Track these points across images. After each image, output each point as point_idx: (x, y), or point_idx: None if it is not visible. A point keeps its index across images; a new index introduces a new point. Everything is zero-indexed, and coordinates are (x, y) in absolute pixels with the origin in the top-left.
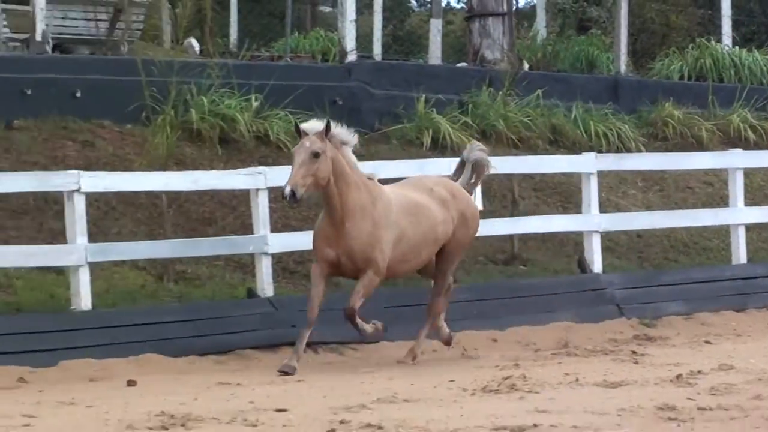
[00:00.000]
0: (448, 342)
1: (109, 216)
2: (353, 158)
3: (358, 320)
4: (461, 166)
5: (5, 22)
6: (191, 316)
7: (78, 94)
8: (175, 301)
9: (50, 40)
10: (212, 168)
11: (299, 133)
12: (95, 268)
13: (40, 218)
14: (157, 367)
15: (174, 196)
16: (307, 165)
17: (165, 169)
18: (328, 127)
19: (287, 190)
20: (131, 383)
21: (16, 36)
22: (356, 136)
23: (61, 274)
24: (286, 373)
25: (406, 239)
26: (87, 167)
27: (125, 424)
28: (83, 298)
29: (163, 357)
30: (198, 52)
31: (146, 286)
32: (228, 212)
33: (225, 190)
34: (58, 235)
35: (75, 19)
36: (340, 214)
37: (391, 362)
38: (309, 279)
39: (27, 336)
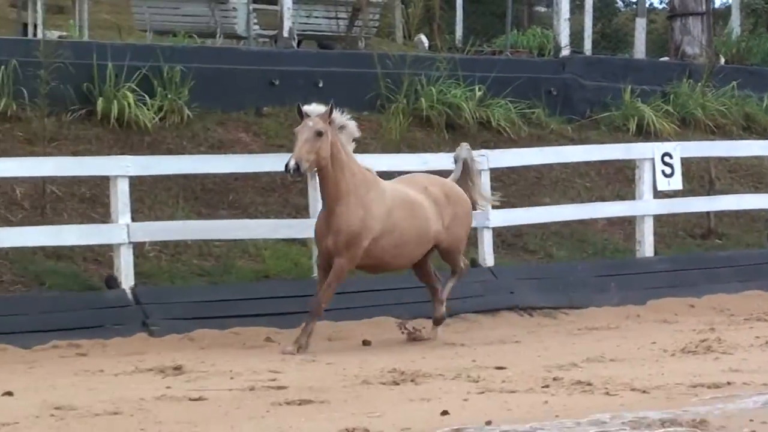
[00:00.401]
0: (438, 321)
1: None
2: (348, 146)
3: (310, 325)
4: (455, 164)
5: (256, 20)
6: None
7: (320, 84)
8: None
9: (295, 36)
10: (439, 151)
11: (301, 115)
12: None
13: (285, 195)
14: (388, 329)
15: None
16: (311, 142)
17: (398, 152)
18: (331, 110)
19: (292, 163)
20: (366, 343)
21: (265, 32)
22: (356, 124)
23: (303, 245)
24: (291, 353)
25: (399, 231)
26: None
27: (361, 379)
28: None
29: (392, 318)
30: (427, 48)
31: None
32: None
33: (451, 170)
34: (301, 210)
35: (317, 17)
36: (333, 198)
37: (599, 325)
38: (526, 251)
39: (273, 300)
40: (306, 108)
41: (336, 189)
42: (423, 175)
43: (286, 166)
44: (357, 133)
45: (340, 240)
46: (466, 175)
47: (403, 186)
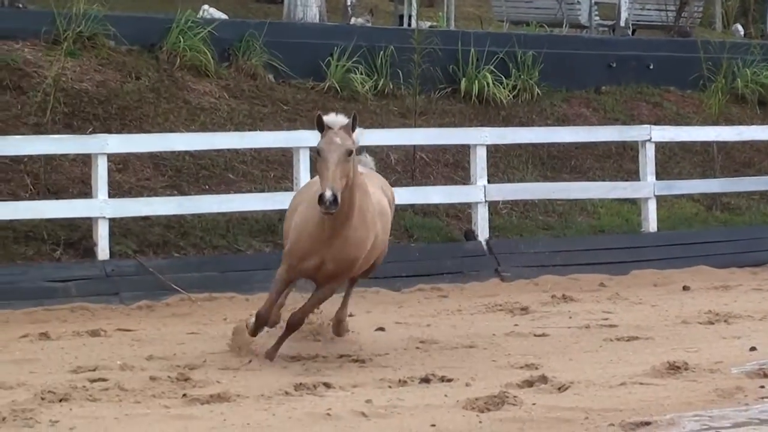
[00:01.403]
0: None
1: (672, 160)
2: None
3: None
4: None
5: (597, 12)
6: (733, 237)
7: (651, 67)
8: (721, 225)
9: (630, 26)
10: (752, 124)
11: (322, 127)
12: (661, 200)
13: (620, 161)
14: (707, 276)
15: (722, 145)
16: (342, 164)
17: (716, 125)
18: (354, 122)
19: (328, 194)
20: (686, 288)
21: (604, 22)
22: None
23: (634, 203)
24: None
25: (376, 242)
26: (656, 122)
27: (681, 319)
28: (651, 223)
29: (711, 268)
30: (742, 35)
31: (699, 214)
32: (764, 158)
33: (762, 140)
34: (633, 174)
35: (650, 9)
36: (342, 220)
37: None
38: None
39: (607, 251)
40: (327, 119)
41: (348, 211)
42: (377, 174)
43: (322, 198)
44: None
45: (342, 267)
46: None
47: (373, 188)
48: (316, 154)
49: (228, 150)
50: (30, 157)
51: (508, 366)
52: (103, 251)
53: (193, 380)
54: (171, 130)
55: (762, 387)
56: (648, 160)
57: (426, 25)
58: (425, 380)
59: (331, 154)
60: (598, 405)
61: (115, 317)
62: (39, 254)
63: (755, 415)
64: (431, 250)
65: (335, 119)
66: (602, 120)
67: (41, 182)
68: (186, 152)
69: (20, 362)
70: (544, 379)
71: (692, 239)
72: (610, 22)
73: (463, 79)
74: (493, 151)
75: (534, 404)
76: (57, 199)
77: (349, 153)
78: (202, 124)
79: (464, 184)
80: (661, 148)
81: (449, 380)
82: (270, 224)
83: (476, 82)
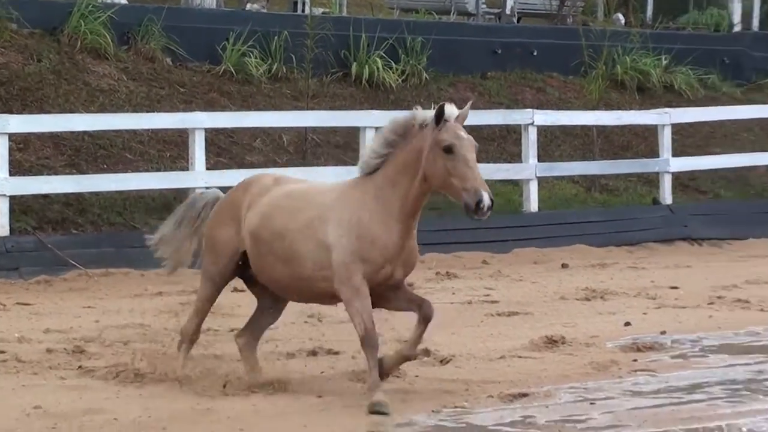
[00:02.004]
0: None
1: (553, 143)
2: None
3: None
4: None
5: (483, 1)
6: (610, 217)
7: (535, 54)
8: (599, 206)
9: (516, 14)
10: (631, 109)
11: (439, 119)
12: (542, 181)
13: (504, 144)
14: (584, 254)
15: (601, 129)
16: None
17: (596, 110)
18: (466, 114)
19: (487, 200)
20: (564, 266)
21: (490, 10)
22: None
23: (516, 184)
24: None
25: None
26: (539, 107)
27: (559, 295)
28: (532, 203)
29: (589, 247)
30: (623, 24)
31: (578, 195)
32: (641, 141)
33: (639, 125)
34: (515, 156)
35: None
36: (414, 221)
37: (758, 254)
38: (698, 191)
39: (489, 230)
40: (449, 111)
41: (419, 212)
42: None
43: (480, 204)
44: None
45: (407, 273)
46: None
47: None
48: (437, 148)
49: (126, 131)
50: None
51: (393, 340)
52: (3, 228)
53: (88, 353)
54: (71, 111)
55: (635, 360)
56: (530, 143)
57: (319, 11)
58: (313, 353)
59: (470, 153)
60: (478, 377)
61: (14, 291)
62: None
63: (628, 387)
64: None
65: (453, 110)
66: (487, 104)
67: None
68: (85, 132)
69: None
70: (427, 352)
71: (571, 219)
72: (496, 10)
73: (354, 63)
74: None
75: (417, 376)
76: None
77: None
78: (101, 105)
79: (354, 165)
80: (543, 131)
81: (336, 353)
82: (166, 202)
83: (366, 66)
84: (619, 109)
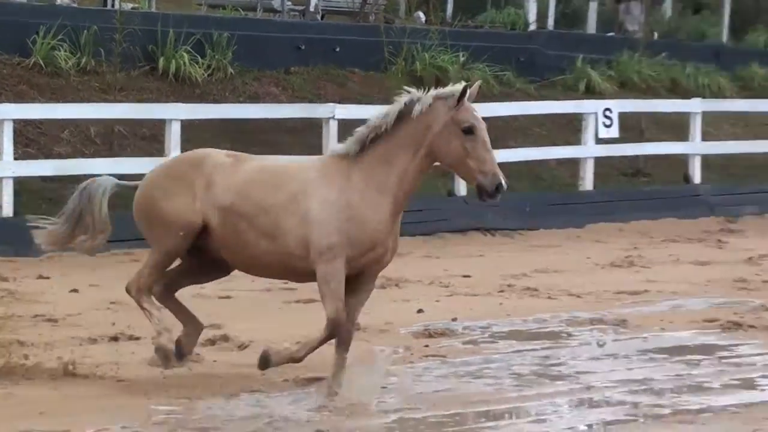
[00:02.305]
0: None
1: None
2: None
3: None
4: None
5: None
6: (406, 208)
7: (337, 50)
8: None
9: (320, 11)
10: None
11: (463, 97)
12: None
13: (306, 137)
14: None
15: None
16: None
17: None
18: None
19: (505, 185)
20: None
21: (295, 8)
22: None
23: None
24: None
25: None
26: (340, 101)
27: None
28: None
29: None
30: (423, 21)
31: None
32: None
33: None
34: (318, 149)
35: None
36: (406, 202)
37: (547, 244)
38: None
39: None
40: (472, 91)
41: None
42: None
43: (499, 189)
44: None
45: (393, 256)
46: None
47: None
48: (455, 127)
49: None
50: None
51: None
52: None
53: None
54: None
55: (427, 346)
56: (331, 135)
57: (128, 6)
58: (114, 338)
59: (487, 137)
60: None
61: None
62: None
63: (419, 372)
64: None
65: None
66: (291, 98)
67: None
68: None
69: None
70: (226, 338)
71: None
72: (300, 7)
73: (162, 58)
74: (188, 126)
75: (215, 361)
76: None
77: None
78: None
79: (160, 156)
80: (344, 125)
81: (137, 338)
82: None
83: (174, 61)
84: None
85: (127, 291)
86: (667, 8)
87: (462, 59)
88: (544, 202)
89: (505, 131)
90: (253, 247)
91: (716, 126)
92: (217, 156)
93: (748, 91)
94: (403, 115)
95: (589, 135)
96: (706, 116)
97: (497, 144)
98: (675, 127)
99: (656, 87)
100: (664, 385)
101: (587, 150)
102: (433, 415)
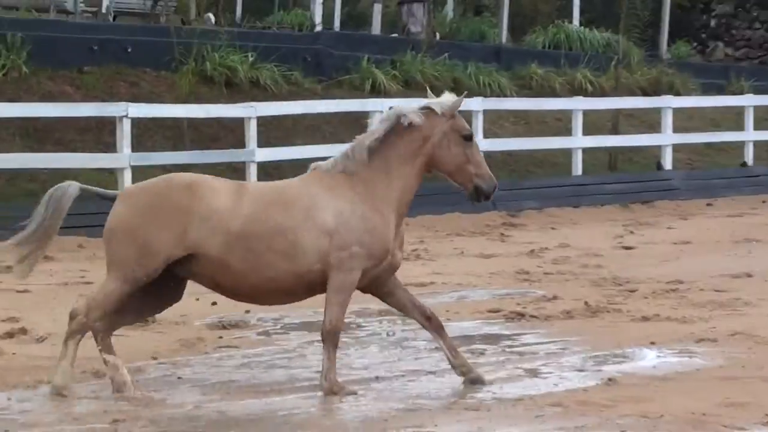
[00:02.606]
0: None
1: (147, 134)
2: None
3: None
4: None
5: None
6: None
7: (129, 50)
8: None
9: (112, 12)
10: (219, 103)
11: (456, 108)
12: (136, 170)
13: (100, 135)
14: None
15: (191, 122)
16: None
17: (186, 103)
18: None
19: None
20: None
21: (89, 9)
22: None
23: (112, 174)
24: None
25: None
26: (133, 100)
27: None
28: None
29: None
30: (213, 23)
31: None
32: (229, 133)
33: (227, 117)
34: (111, 147)
35: None
36: (407, 210)
37: None
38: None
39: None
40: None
41: None
42: None
43: (495, 190)
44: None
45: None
46: None
47: None
48: (455, 136)
49: None
50: None
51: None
52: None
53: None
54: None
55: (221, 338)
56: (124, 134)
57: None
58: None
59: (479, 147)
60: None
61: None
62: None
63: (214, 362)
64: None
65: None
66: (84, 97)
67: None
68: None
69: None
70: (24, 330)
71: None
72: (94, 9)
73: None
74: None
75: (14, 353)
76: None
77: None
78: None
79: None
80: (137, 123)
81: None
82: None
83: None
84: (208, 102)
85: (71, 317)
86: (449, 10)
87: (251, 59)
88: None
89: (293, 129)
90: (269, 269)
91: (497, 124)
92: (212, 181)
93: (527, 90)
94: (395, 129)
95: None
96: (488, 114)
97: (286, 141)
98: None
99: (439, 86)
100: (450, 375)
101: None
102: (228, 404)
